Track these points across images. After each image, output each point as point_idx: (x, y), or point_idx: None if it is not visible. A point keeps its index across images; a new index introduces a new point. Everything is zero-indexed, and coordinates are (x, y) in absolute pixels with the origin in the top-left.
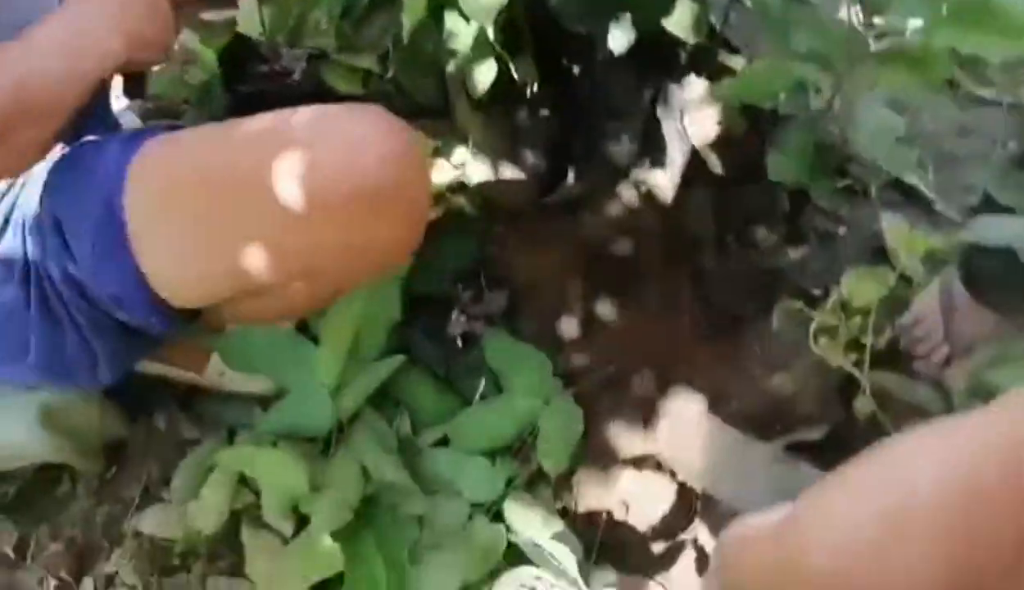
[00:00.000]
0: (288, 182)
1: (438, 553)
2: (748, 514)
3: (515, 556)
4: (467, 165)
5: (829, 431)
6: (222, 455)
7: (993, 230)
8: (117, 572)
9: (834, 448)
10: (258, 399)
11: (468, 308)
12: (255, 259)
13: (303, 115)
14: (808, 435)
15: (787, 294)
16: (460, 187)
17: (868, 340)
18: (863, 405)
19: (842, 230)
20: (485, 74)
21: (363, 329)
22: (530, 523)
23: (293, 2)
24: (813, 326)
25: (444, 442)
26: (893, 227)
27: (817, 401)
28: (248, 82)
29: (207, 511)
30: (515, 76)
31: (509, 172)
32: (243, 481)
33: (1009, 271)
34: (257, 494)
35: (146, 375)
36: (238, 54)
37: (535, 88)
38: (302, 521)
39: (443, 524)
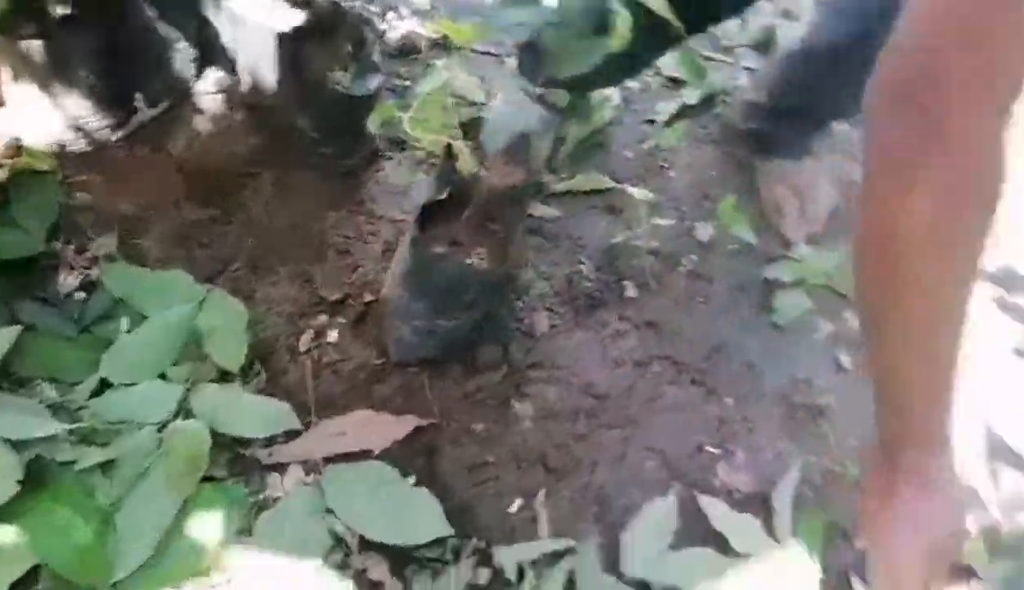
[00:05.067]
0: None
1: (140, 485)
2: None
3: None
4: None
5: None
6: None
7: None
8: None
9: None
10: None
11: (75, 261)
12: None
13: None
14: None
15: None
16: (17, 151)
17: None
18: None
19: None
20: None
21: None
22: (229, 412)
23: None
24: (407, 115)
25: (102, 390)
26: None
27: None
28: None
29: None
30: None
31: (65, 109)
32: None
33: None
34: None
35: None
36: None
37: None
38: None
39: (134, 458)
